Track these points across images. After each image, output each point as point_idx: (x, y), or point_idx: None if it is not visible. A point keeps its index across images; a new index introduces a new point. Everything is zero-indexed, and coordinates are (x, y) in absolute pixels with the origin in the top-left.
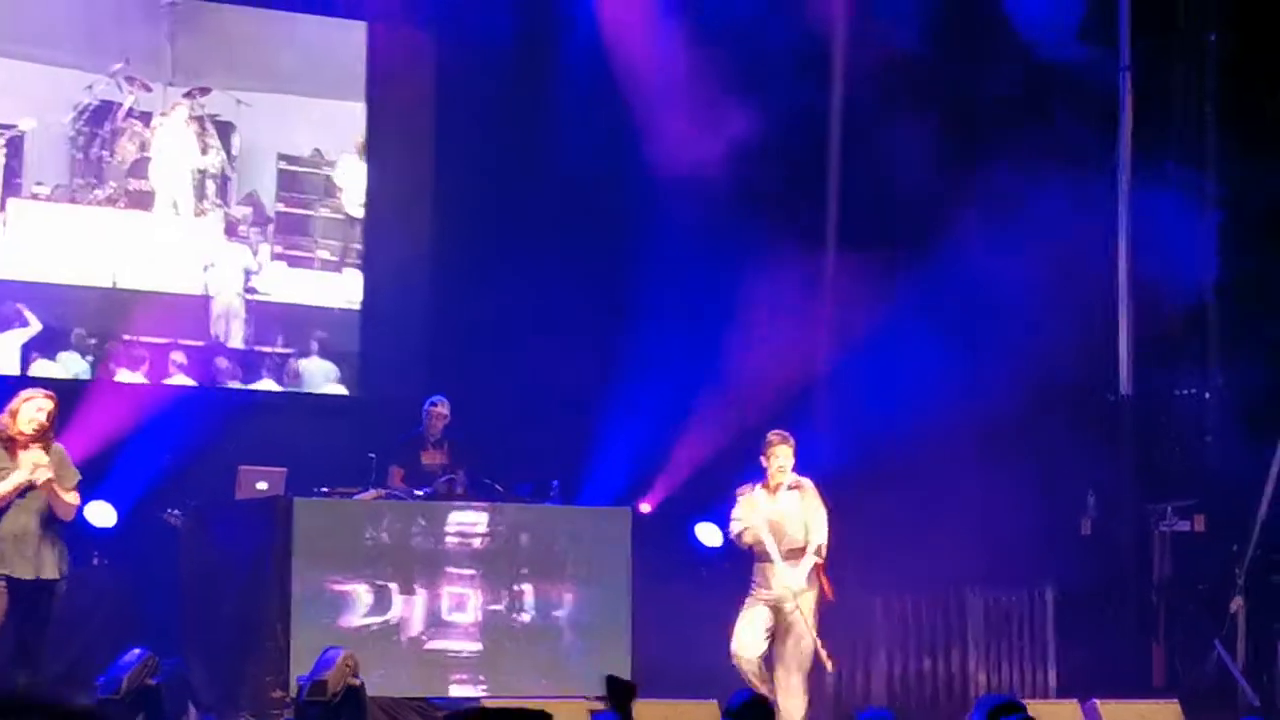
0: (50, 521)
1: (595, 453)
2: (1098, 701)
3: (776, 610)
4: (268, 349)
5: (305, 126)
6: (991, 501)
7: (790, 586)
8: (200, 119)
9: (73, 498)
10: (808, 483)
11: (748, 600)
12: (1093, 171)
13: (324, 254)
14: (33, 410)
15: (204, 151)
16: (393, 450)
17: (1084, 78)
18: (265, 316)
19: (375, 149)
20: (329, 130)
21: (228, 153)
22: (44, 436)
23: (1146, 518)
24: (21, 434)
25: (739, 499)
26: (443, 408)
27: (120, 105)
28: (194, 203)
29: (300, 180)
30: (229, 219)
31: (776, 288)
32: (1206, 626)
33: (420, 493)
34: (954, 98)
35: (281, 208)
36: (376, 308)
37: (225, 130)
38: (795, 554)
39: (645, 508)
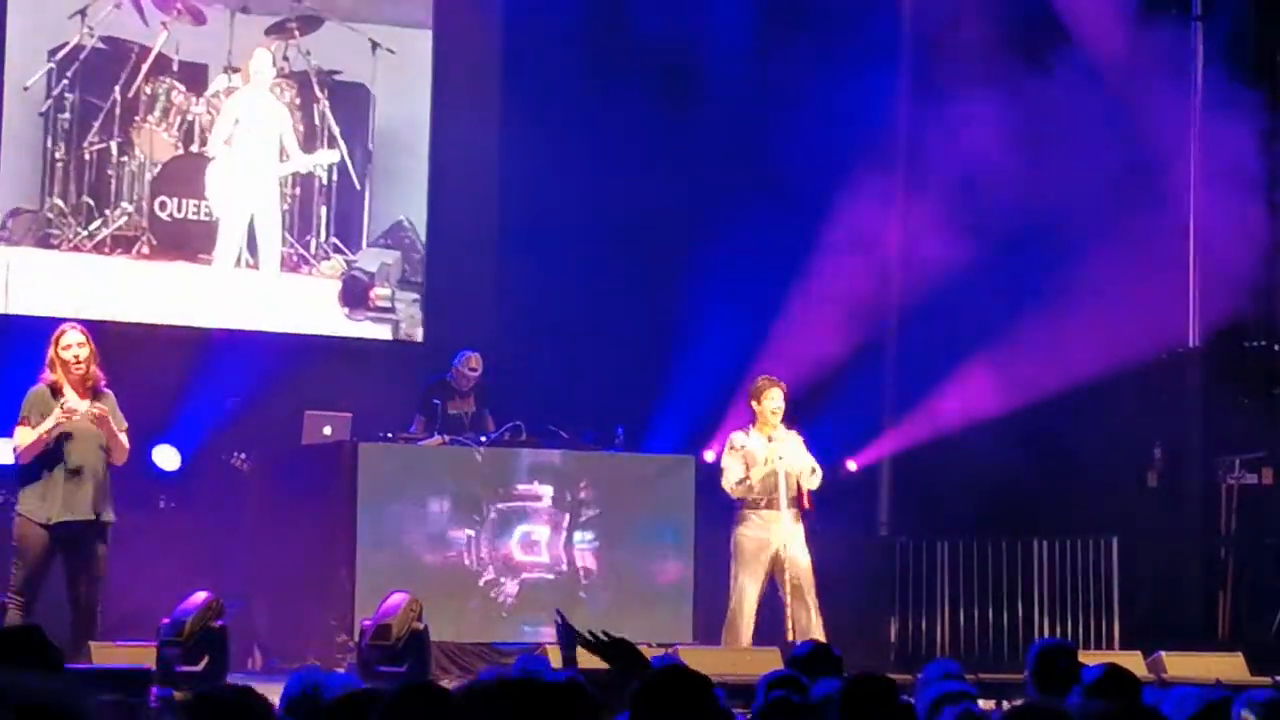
0: (108, 466)
1: (660, 400)
2: (1163, 653)
3: (770, 562)
4: None
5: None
6: (1058, 451)
7: (786, 535)
8: (304, 78)
9: (123, 439)
10: (795, 434)
11: (739, 548)
12: (1162, 126)
13: None
14: (68, 354)
15: (309, 144)
16: (416, 398)
17: (1156, 30)
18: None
19: (440, 84)
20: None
21: (355, 146)
22: (89, 379)
23: (1214, 470)
24: (71, 376)
25: (733, 448)
26: (476, 363)
27: (143, 50)
28: (286, 245)
29: None
30: (354, 274)
31: (846, 234)
32: (1273, 579)
33: (485, 439)
34: (1020, 51)
35: None
36: (441, 251)
37: (352, 100)
38: (792, 503)
39: (710, 455)
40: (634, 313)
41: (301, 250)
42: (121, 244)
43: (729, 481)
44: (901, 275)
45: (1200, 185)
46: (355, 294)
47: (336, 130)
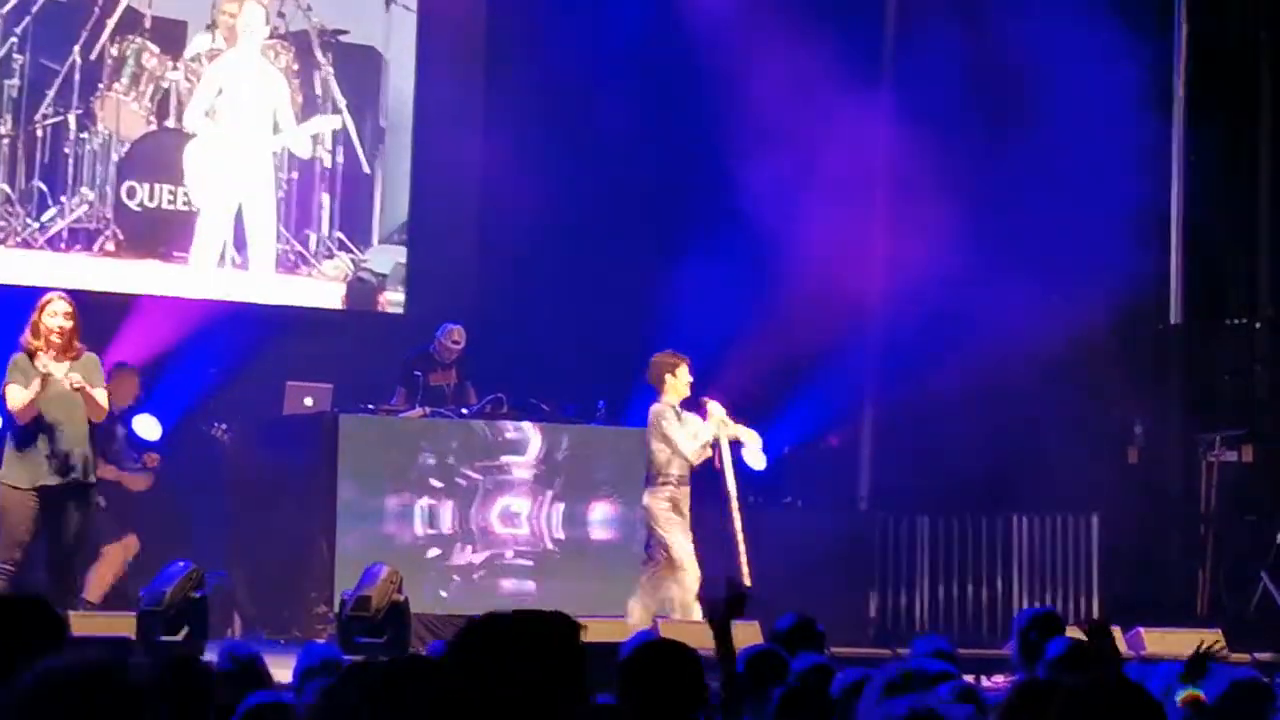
0: (91, 429)
1: (642, 373)
2: (1142, 629)
3: None
4: None
5: None
6: (1039, 428)
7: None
8: (303, 39)
9: (101, 395)
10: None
11: (681, 532)
12: (1146, 104)
13: None
14: (52, 321)
15: (303, 114)
16: (397, 370)
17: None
18: None
19: (425, 52)
20: None
21: (364, 122)
22: (70, 346)
23: (1194, 447)
24: (51, 344)
25: (674, 418)
26: (458, 336)
27: (109, 3)
28: (281, 240)
29: None
30: (362, 276)
31: (830, 211)
32: (1252, 556)
33: (466, 411)
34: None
35: None
36: (424, 223)
37: (361, 66)
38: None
39: None
40: (616, 285)
41: (299, 247)
42: (80, 239)
43: (690, 449)
44: (885, 252)
45: (1183, 162)
46: (362, 298)
47: (343, 103)
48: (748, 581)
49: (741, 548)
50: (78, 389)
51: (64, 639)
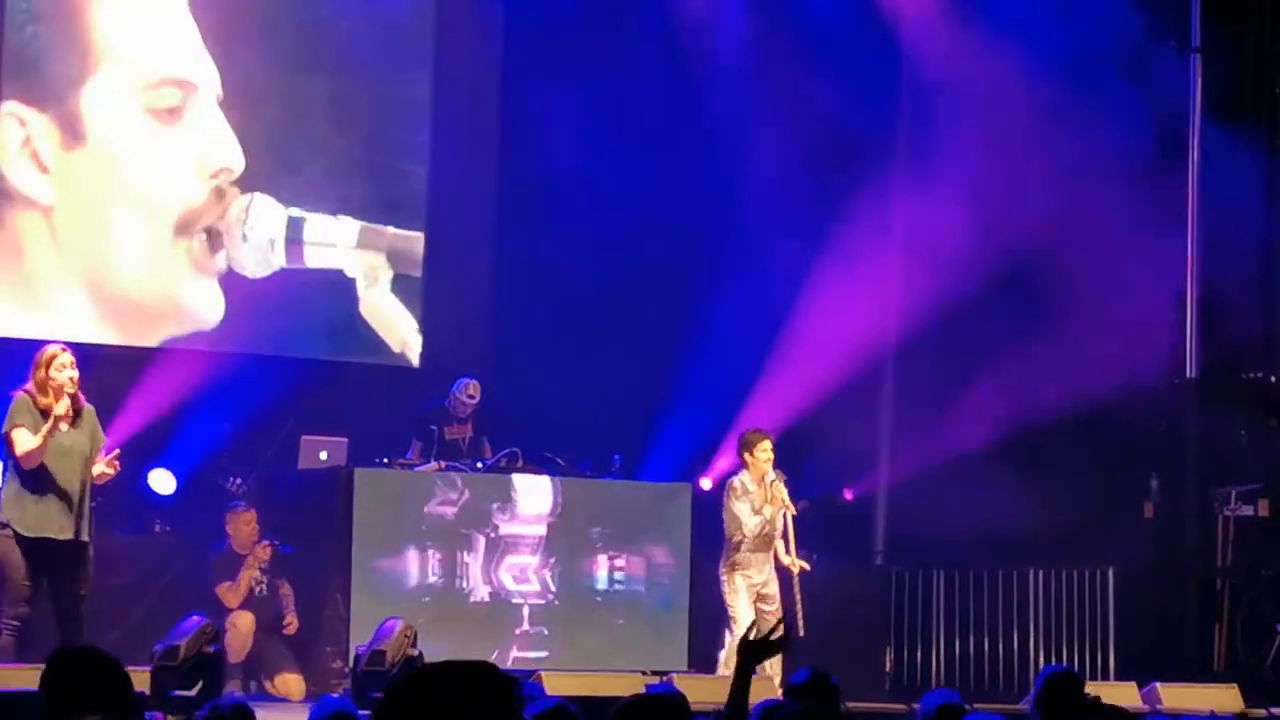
0: (91, 486)
1: (657, 428)
2: (1158, 684)
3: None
4: None
5: None
6: (1055, 482)
7: (771, 576)
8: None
9: (99, 466)
10: (781, 473)
11: (738, 586)
12: (1160, 159)
13: None
14: (62, 375)
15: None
16: (413, 423)
17: (1154, 62)
18: None
19: (441, 104)
20: None
21: None
22: (75, 402)
23: (1210, 501)
24: (61, 398)
25: (744, 493)
26: (474, 390)
27: None
28: None
29: None
30: None
31: (844, 265)
32: (1269, 611)
33: (482, 465)
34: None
35: None
36: (439, 275)
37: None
38: (771, 542)
39: (706, 484)
40: (631, 339)
41: None
42: None
43: (749, 527)
44: (899, 305)
45: (1199, 217)
46: None
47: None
48: (801, 633)
49: (799, 606)
50: (86, 455)
51: (129, 689)
